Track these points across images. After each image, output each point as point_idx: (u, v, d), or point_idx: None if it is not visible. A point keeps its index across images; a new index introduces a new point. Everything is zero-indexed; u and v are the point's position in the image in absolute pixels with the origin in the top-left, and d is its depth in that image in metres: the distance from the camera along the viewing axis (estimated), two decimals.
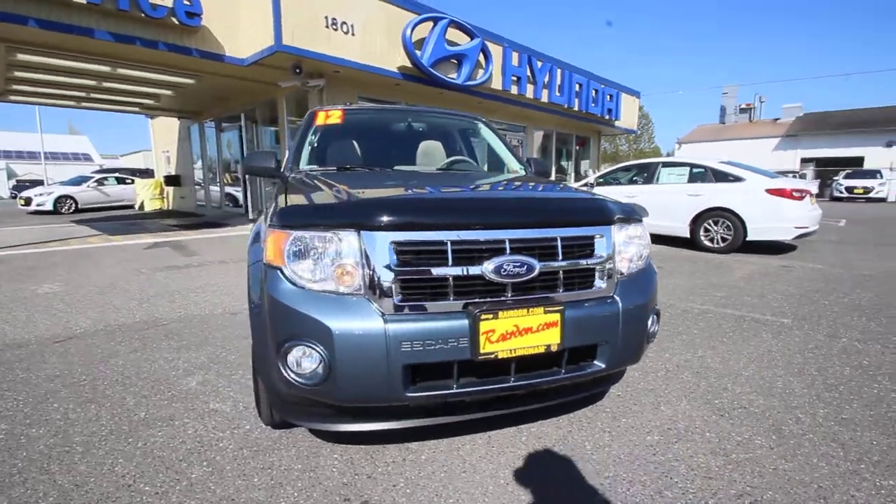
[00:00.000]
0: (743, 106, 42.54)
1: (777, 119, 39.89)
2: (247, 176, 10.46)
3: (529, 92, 11.67)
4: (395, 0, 8.68)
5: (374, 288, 1.53)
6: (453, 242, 1.57)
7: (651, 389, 2.50)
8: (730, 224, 6.77)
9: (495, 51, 10.45)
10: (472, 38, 9.76)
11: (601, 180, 8.34)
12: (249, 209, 10.91)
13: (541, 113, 13.11)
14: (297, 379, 1.54)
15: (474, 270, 1.57)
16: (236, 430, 2.15)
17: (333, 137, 3.04)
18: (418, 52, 8.81)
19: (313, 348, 1.50)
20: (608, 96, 14.87)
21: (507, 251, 1.61)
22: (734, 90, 43.71)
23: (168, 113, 14.16)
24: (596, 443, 1.99)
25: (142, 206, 16.52)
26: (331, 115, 3.08)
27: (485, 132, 3.45)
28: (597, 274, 1.75)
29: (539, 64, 11.77)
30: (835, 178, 25.42)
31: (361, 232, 1.55)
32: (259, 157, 2.80)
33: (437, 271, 1.55)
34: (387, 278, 1.53)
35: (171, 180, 16.03)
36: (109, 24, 6.58)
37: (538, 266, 1.62)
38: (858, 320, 3.68)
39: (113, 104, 12.69)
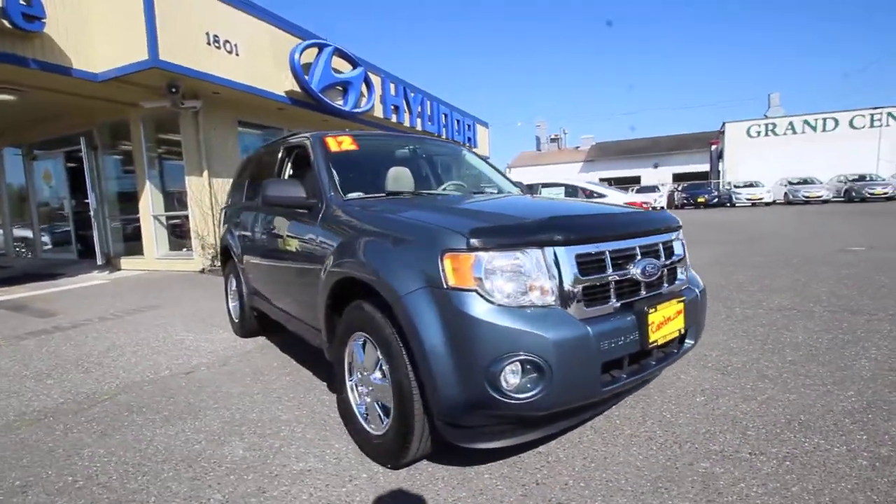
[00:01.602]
0: (552, 136, 50.82)
1: (577, 147, 48.57)
2: (95, 214, 8.60)
3: (406, 120, 12.18)
4: (279, 23, 8.30)
5: (564, 297, 1.67)
6: (610, 252, 1.81)
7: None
8: None
9: (375, 80, 10.71)
10: (355, 67, 9.86)
11: None
12: (99, 253, 8.90)
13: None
14: (511, 393, 1.57)
15: (624, 274, 1.83)
16: (354, 481, 1.96)
17: (355, 164, 2.94)
18: (307, 77, 8.54)
19: (532, 360, 1.56)
20: (467, 126, 16.35)
21: (639, 256, 1.91)
22: (544, 123, 51.92)
23: None
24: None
25: None
26: (342, 142, 2.97)
27: (471, 158, 3.70)
28: (679, 269, 2.17)
29: (412, 94, 12.41)
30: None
31: (545, 248, 1.68)
32: (284, 186, 2.58)
33: (603, 277, 1.77)
34: (573, 288, 1.68)
35: None
36: None
37: (660, 266, 1.96)
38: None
39: None
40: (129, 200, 9.03)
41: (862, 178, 22.40)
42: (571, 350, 1.60)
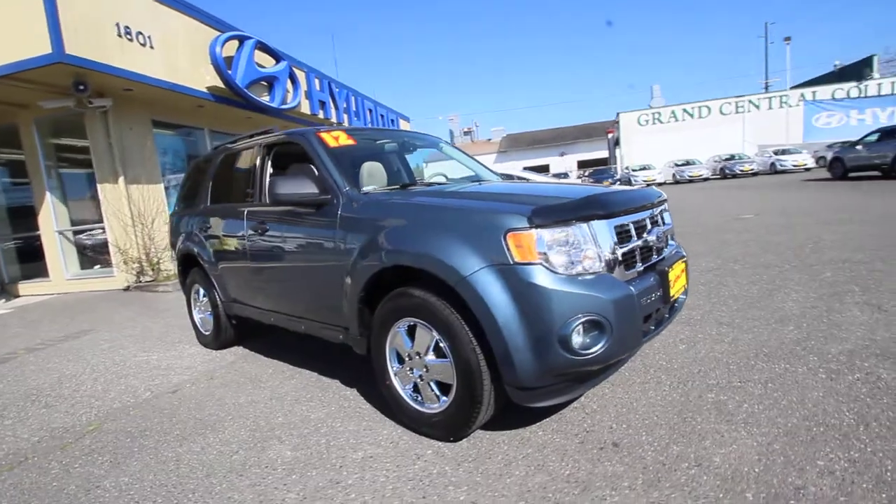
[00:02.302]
0: (465, 129, 52.20)
1: (490, 139, 50.37)
2: None
3: (333, 116, 11.88)
4: (194, 13, 7.67)
5: (608, 264, 1.91)
6: (633, 223, 2.09)
7: None
8: None
9: (300, 75, 10.30)
10: (278, 61, 9.41)
11: None
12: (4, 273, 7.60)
13: None
14: (580, 350, 1.78)
15: (645, 241, 2.12)
16: (422, 458, 2.06)
17: (353, 159, 2.94)
18: (230, 72, 8.00)
19: (596, 319, 1.78)
20: (391, 120, 16.30)
21: (649, 226, 2.22)
22: (457, 117, 53.12)
23: None
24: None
25: None
26: (339, 137, 2.95)
27: (450, 150, 3.83)
28: (669, 236, 2.53)
29: (337, 90, 12.11)
30: None
31: (591, 222, 1.90)
32: (294, 182, 2.54)
33: (632, 245, 2.04)
34: (613, 255, 1.93)
35: None
36: None
37: (663, 232, 2.29)
38: None
39: None
40: (25, 216, 7.82)
41: (732, 157, 26.00)
42: (623, 307, 1.85)
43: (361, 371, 3.14)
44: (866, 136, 15.37)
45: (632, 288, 1.90)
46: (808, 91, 27.21)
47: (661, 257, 2.25)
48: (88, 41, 5.77)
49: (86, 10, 5.78)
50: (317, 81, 11.08)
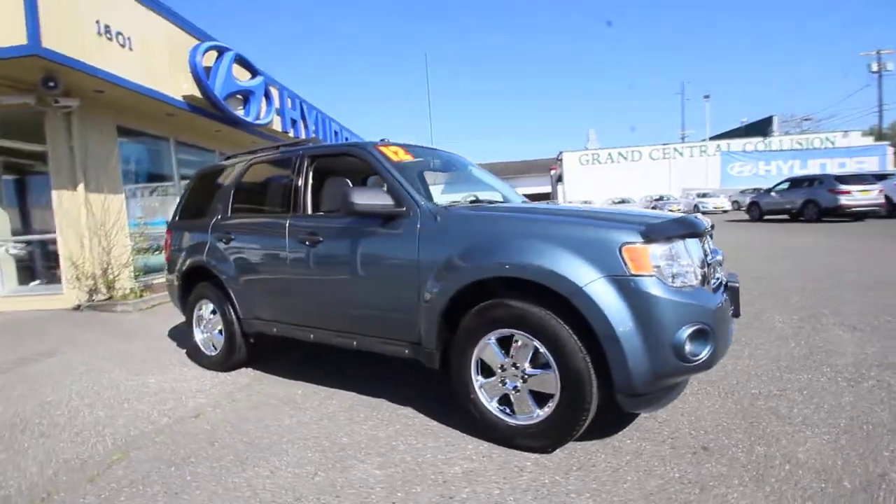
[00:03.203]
0: None
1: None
2: None
3: (303, 135, 11.65)
4: (176, 20, 7.34)
5: (701, 277, 2.09)
6: (707, 244, 2.31)
7: None
8: None
9: (273, 92, 10.08)
10: (254, 76, 9.17)
11: None
12: None
13: None
14: (690, 357, 1.91)
15: (713, 259, 2.34)
16: (526, 470, 2.08)
17: (416, 174, 2.97)
18: (209, 82, 7.68)
19: (702, 328, 1.93)
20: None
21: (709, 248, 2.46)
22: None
23: None
24: None
25: None
26: (398, 152, 2.97)
27: (478, 172, 3.94)
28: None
29: (307, 109, 11.94)
30: None
31: (686, 240, 2.08)
32: (372, 194, 2.54)
33: (708, 262, 2.24)
34: (703, 270, 2.12)
35: None
36: None
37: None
38: None
39: None
40: None
41: (661, 198, 28.56)
42: (720, 317, 2.03)
43: (404, 389, 3.09)
44: (778, 184, 17.60)
45: (720, 298, 2.09)
46: (723, 143, 30.80)
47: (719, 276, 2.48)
48: (66, 36, 5.32)
49: (66, 4, 5.36)
50: (289, 100, 10.88)
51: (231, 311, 3.54)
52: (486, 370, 2.31)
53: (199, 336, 3.87)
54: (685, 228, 2.12)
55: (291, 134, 11.06)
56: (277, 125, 10.45)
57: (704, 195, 26.64)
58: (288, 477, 2.13)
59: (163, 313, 6.31)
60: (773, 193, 17.27)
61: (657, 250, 1.96)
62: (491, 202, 3.14)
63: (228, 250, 3.52)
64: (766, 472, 1.90)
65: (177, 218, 4.24)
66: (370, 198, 2.53)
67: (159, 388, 3.44)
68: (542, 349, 2.09)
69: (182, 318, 5.65)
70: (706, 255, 2.20)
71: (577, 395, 2.02)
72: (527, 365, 2.15)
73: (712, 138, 32.31)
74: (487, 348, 2.26)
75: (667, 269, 1.97)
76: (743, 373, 2.98)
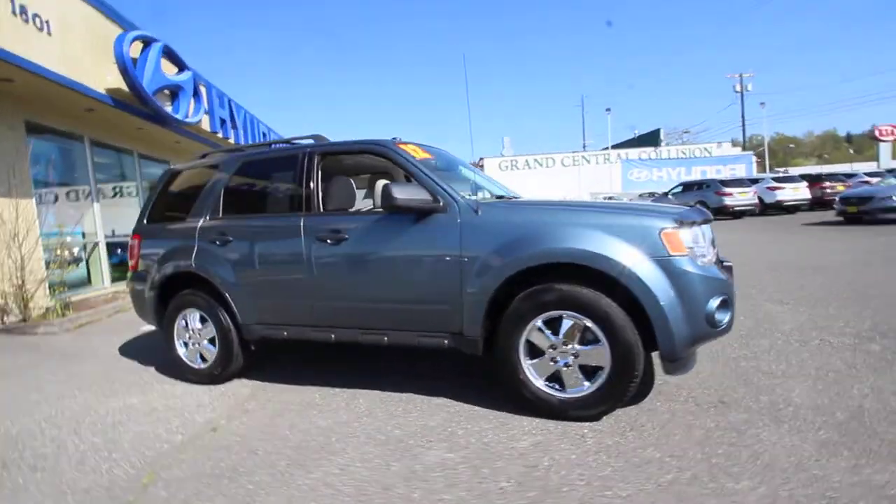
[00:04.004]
0: None
1: None
2: None
3: (232, 136, 10.93)
4: (99, 5, 6.56)
5: (713, 256, 2.47)
6: None
7: None
8: None
9: (201, 89, 9.36)
10: (182, 70, 8.46)
11: None
12: None
13: None
14: (717, 323, 2.27)
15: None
16: (586, 438, 2.30)
17: (444, 170, 3.07)
18: (138, 75, 6.96)
19: (725, 298, 2.29)
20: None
21: None
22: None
23: None
24: None
25: None
26: (416, 150, 3.05)
27: (467, 172, 4.10)
28: None
29: (236, 109, 11.22)
30: None
31: (702, 226, 2.45)
32: (410, 189, 2.63)
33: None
34: (713, 250, 2.50)
35: None
36: None
37: None
38: None
39: None
40: None
41: (611, 197, 30.95)
42: (733, 290, 2.42)
43: (421, 381, 3.16)
44: (674, 188, 20.02)
45: (726, 275, 2.50)
46: (623, 152, 34.19)
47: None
48: None
49: None
50: (217, 99, 10.16)
51: (227, 317, 3.33)
52: (533, 352, 2.49)
53: (181, 349, 3.57)
54: (701, 216, 2.49)
55: (220, 135, 10.33)
56: (206, 125, 9.71)
57: (611, 198, 29.35)
58: (362, 471, 2.13)
59: (98, 332, 5.62)
60: (669, 196, 19.60)
61: (687, 234, 2.30)
62: (516, 198, 3.34)
63: (224, 253, 3.31)
64: (778, 414, 2.31)
65: (145, 221, 3.86)
66: (410, 193, 2.60)
67: (149, 407, 3.13)
68: (594, 326, 2.32)
69: (130, 335, 5.18)
70: (713, 239, 2.60)
71: (627, 366, 2.28)
72: (576, 343, 2.37)
73: (614, 147, 35.74)
74: (535, 330, 2.45)
75: (696, 249, 2.32)
76: (714, 343, 3.48)
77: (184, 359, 3.55)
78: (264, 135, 13.51)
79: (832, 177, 18.81)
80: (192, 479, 2.20)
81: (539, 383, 2.47)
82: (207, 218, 3.46)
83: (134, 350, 4.65)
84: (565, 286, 2.36)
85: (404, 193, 2.58)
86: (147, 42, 7.38)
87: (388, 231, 2.78)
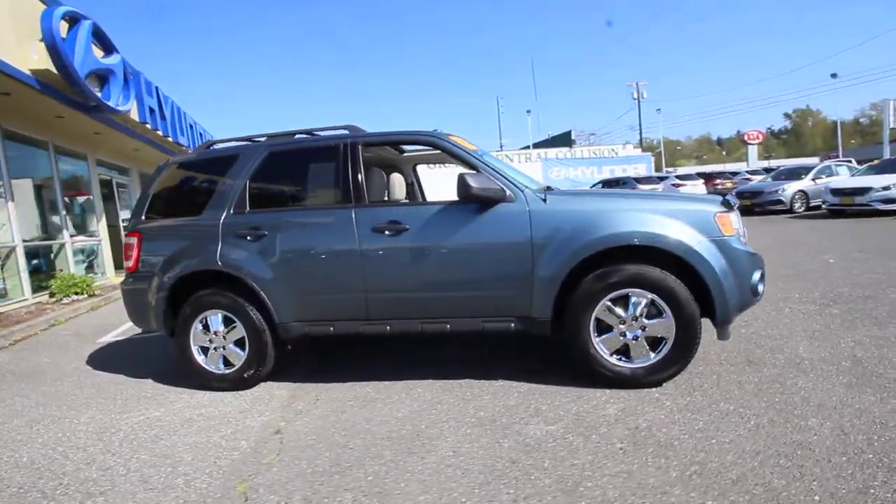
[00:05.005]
0: None
1: None
2: None
3: (160, 127, 9.90)
4: None
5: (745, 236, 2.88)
6: None
7: None
8: None
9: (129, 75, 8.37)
10: (110, 53, 7.52)
11: None
12: None
13: (153, 152, 11.14)
14: (758, 292, 2.66)
15: None
16: (664, 398, 2.58)
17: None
18: (70, 55, 6.07)
19: (763, 272, 2.69)
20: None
21: None
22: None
23: None
24: None
25: None
26: (465, 143, 3.12)
27: None
28: None
29: (164, 98, 10.18)
30: None
31: (736, 210, 2.84)
32: (483, 179, 2.74)
33: None
34: (744, 230, 2.91)
35: None
36: None
37: None
38: None
39: None
40: None
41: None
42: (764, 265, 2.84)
43: (469, 367, 3.28)
44: (595, 185, 21.75)
45: None
46: (542, 151, 36.30)
47: None
48: None
49: None
50: (145, 86, 9.14)
51: (259, 317, 3.14)
52: (599, 328, 2.71)
53: (199, 356, 3.28)
54: (735, 202, 2.89)
55: (149, 126, 9.32)
56: (134, 114, 8.72)
57: None
58: (475, 449, 2.21)
59: (42, 348, 4.92)
60: None
61: (733, 217, 2.68)
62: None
63: (258, 249, 3.11)
64: (800, 367, 2.77)
65: (142, 217, 3.46)
66: (484, 183, 2.70)
67: (182, 418, 2.87)
68: (660, 301, 2.60)
69: (87, 348, 4.72)
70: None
71: (689, 335, 2.60)
72: (644, 317, 2.64)
73: (535, 146, 37.87)
74: (604, 308, 2.68)
75: (740, 230, 2.70)
76: None
77: (203, 364, 3.27)
78: (191, 127, 12.42)
79: (721, 175, 21.83)
80: (297, 479, 2.11)
81: (609, 357, 2.70)
82: (230, 212, 3.22)
83: (107, 363, 4.16)
84: (633, 266, 2.61)
85: (479, 183, 2.67)
86: (75, 19, 6.48)
87: (455, 220, 2.84)
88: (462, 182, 2.67)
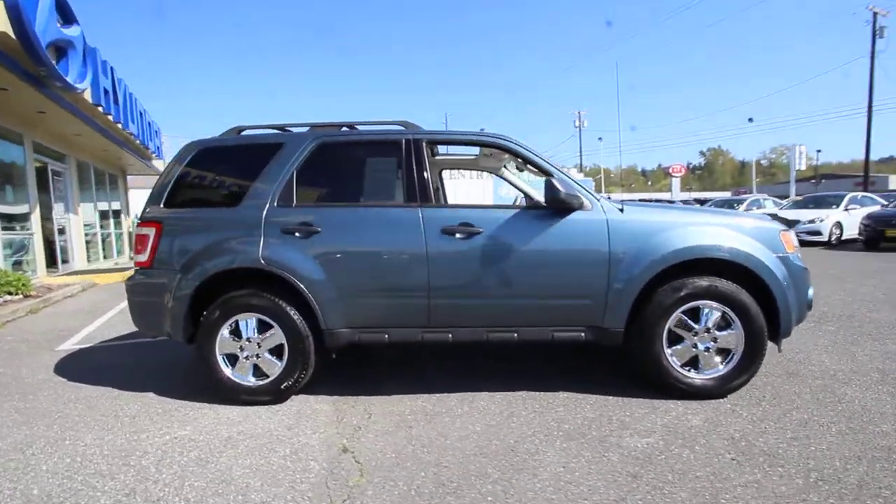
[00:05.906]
0: None
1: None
2: None
3: (112, 112, 8.92)
4: None
5: None
6: None
7: None
8: None
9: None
10: (70, 23, 6.69)
11: None
12: None
13: (97, 139, 10.02)
14: (811, 307, 2.83)
15: None
16: (739, 409, 2.64)
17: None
18: (31, 19, 5.30)
19: (812, 287, 2.88)
20: (155, 131, 13.11)
21: None
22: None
23: None
24: None
25: None
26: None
27: None
28: None
29: (117, 80, 9.21)
30: None
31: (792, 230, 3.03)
32: (567, 184, 2.75)
33: None
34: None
35: None
36: None
37: None
38: None
39: None
40: None
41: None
42: None
43: (544, 375, 3.23)
44: None
45: None
46: None
47: None
48: None
49: None
50: (100, 64, 8.22)
51: (302, 322, 2.85)
52: (670, 339, 2.74)
53: (226, 368, 2.90)
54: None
55: (101, 109, 8.37)
56: (87, 94, 7.80)
57: None
58: (584, 464, 2.12)
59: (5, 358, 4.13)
60: None
61: (792, 236, 2.85)
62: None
63: (308, 247, 2.84)
64: (837, 378, 2.98)
65: (162, 206, 3.04)
66: (569, 189, 2.67)
67: (220, 437, 2.51)
68: (731, 314, 2.69)
69: (47, 359, 4.24)
70: None
71: (757, 347, 2.70)
72: (713, 330, 2.71)
73: None
74: (677, 320, 2.72)
75: (797, 249, 2.87)
76: None
77: (231, 376, 2.90)
78: (141, 114, 11.33)
79: (659, 202, 23.75)
80: (404, 502, 1.90)
81: (680, 368, 2.73)
82: (274, 205, 2.92)
83: (84, 374, 3.62)
84: (706, 280, 2.69)
85: (567, 188, 2.64)
86: None
87: (529, 226, 2.77)
88: (550, 186, 2.62)
